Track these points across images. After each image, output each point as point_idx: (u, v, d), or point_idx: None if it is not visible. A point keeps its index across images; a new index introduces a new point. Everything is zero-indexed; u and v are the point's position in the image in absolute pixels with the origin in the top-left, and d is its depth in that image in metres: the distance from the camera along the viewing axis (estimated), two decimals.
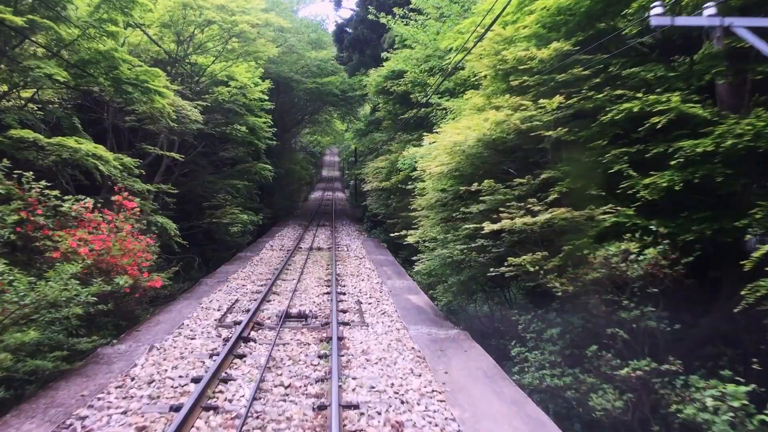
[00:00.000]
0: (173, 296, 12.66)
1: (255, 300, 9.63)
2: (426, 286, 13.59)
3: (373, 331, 7.79)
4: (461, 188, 7.08)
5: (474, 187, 6.67)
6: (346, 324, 8.17)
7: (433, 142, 8.61)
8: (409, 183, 15.23)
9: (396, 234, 10.46)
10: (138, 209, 9.14)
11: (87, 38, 8.91)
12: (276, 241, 19.60)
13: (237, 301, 9.68)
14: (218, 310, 8.97)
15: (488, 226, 6.04)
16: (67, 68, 9.38)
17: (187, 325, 8.09)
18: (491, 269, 6.34)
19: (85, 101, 12.29)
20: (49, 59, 8.97)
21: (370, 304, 9.57)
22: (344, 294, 10.43)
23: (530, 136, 6.56)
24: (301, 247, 17.96)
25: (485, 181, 6.56)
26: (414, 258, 18.75)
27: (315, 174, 64.65)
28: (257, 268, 13.71)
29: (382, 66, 20.03)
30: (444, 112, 14.23)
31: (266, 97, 18.42)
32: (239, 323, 7.97)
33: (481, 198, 6.77)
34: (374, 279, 12.23)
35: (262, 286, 11.12)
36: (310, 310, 8.86)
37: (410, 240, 9.62)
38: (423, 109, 16.85)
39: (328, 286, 11.10)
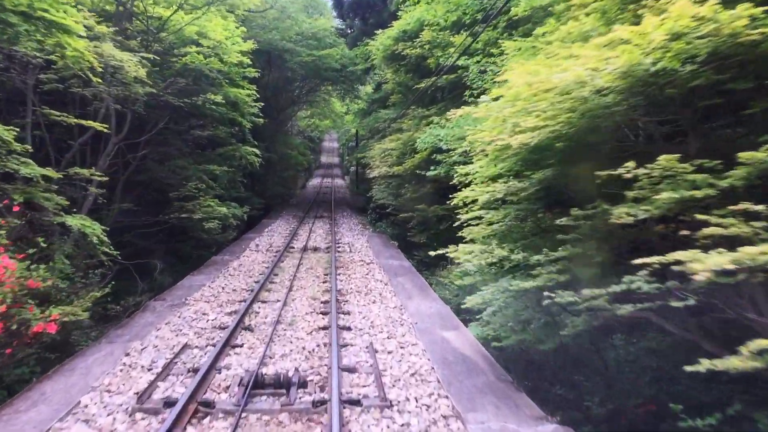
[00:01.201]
0: (119, 319, 9.47)
1: (213, 344, 6.24)
2: (455, 304, 10.25)
3: (404, 425, 4.41)
4: (600, 174, 3.51)
5: (628, 169, 3.18)
6: (354, 403, 4.76)
7: (497, 99, 5.11)
8: (432, 167, 11.81)
9: (434, 251, 6.91)
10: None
11: None
12: (264, 239, 16.15)
13: (185, 346, 6.26)
14: (149, 370, 5.55)
15: (700, 262, 2.56)
16: None
17: (83, 409, 4.67)
18: (687, 369, 2.78)
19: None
20: None
21: (390, 353, 6.14)
22: (349, 329, 7.02)
23: (744, 62, 3.10)
24: (293, 247, 14.53)
25: (662, 157, 3.06)
26: (425, 257, 15.37)
27: (313, 160, 61.13)
28: (232, 280, 10.28)
29: (391, 26, 16.42)
30: (479, 73, 10.72)
31: (249, 61, 14.83)
32: (172, 404, 4.57)
33: (635, 193, 3.30)
34: (389, 299, 8.82)
35: (230, 314, 7.70)
36: (297, 368, 5.48)
37: (459, 257, 6.10)
38: (445, 77, 13.30)
39: (326, 314, 7.70)
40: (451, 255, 5.89)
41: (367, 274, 10.76)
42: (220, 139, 17.32)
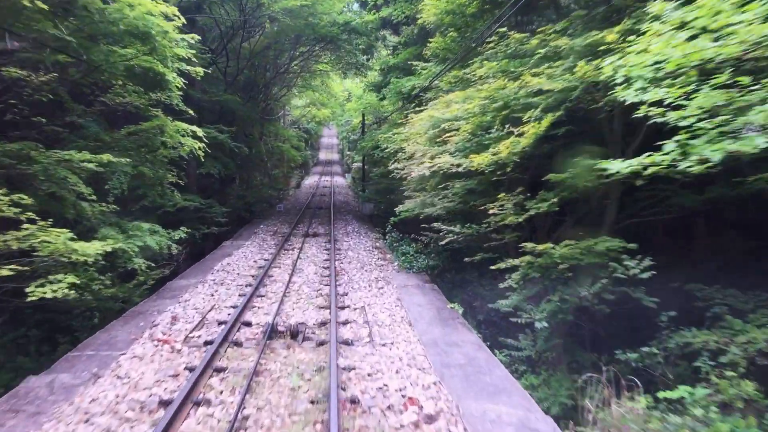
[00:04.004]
0: None
1: None
2: None
3: None
4: None
5: None
6: None
7: None
8: (673, 146, 3.89)
9: None
10: None
11: None
12: (200, 296, 8.20)
13: None
14: None
15: None
16: None
17: None
18: None
19: None
20: None
21: None
22: None
23: None
24: (248, 325, 6.66)
25: None
26: (517, 346, 6.45)
27: (311, 156, 53.30)
28: None
29: None
30: None
31: None
32: None
33: None
34: None
35: None
36: None
37: None
38: None
39: None
40: None
41: None
42: (137, 110, 9.63)
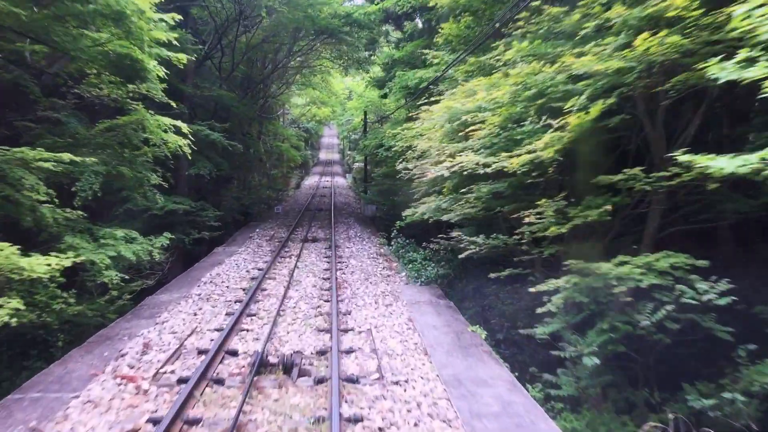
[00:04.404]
0: None
1: None
2: None
3: None
4: None
5: None
6: None
7: None
8: None
9: None
10: None
11: None
12: (177, 318, 7.01)
13: None
14: None
15: None
16: None
17: None
18: None
19: None
20: None
21: None
22: None
23: None
24: (236, 354, 5.57)
25: None
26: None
27: (311, 156, 52.25)
28: None
29: None
30: None
31: None
32: None
33: None
34: None
35: None
36: None
37: None
38: None
39: None
40: None
41: None
42: (116, 103, 8.58)
